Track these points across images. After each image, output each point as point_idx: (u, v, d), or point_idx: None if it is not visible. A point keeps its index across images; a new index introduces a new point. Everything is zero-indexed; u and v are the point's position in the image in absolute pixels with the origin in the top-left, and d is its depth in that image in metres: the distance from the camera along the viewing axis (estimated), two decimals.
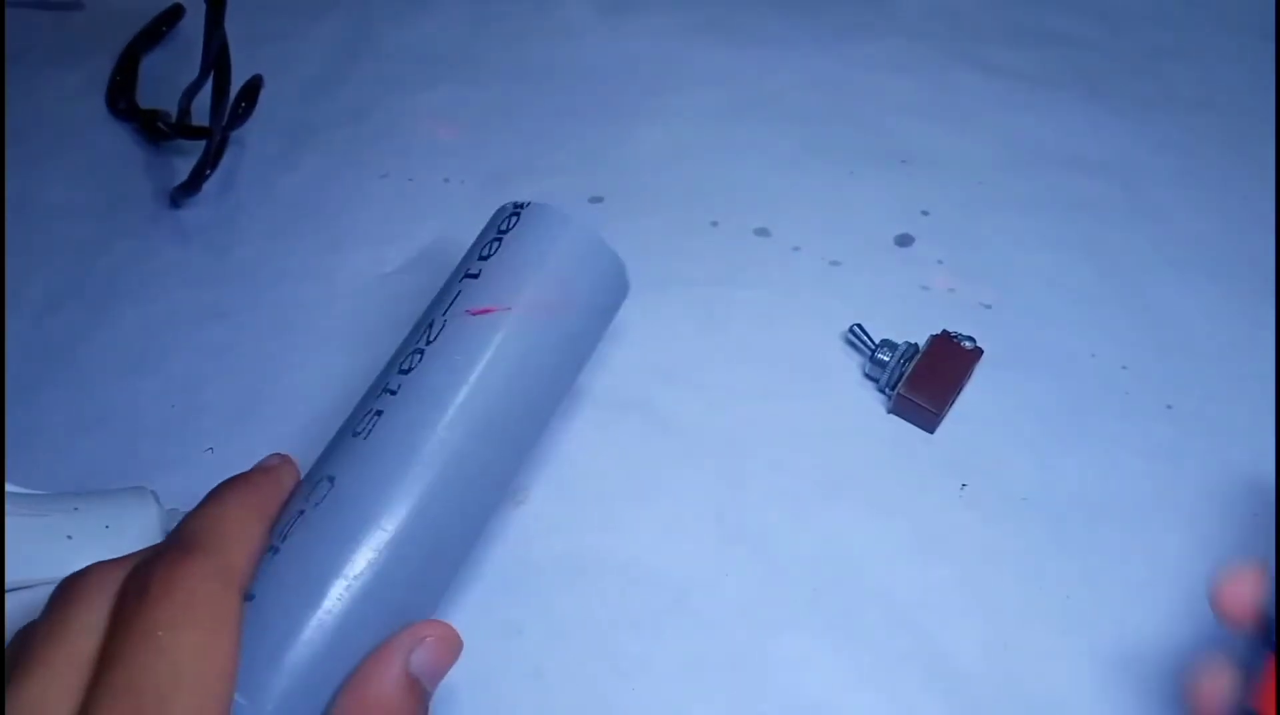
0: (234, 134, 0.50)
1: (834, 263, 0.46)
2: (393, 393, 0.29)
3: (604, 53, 0.56)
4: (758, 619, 0.37)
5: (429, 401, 0.29)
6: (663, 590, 0.37)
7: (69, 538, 0.31)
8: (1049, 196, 0.49)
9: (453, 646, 0.27)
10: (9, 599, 0.29)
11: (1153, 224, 0.48)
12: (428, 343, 0.30)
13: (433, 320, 0.30)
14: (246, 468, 0.41)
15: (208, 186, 0.48)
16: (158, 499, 0.34)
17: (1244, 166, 0.50)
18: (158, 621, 0.22)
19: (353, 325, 0.45)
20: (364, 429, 0.28)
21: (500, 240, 0.31)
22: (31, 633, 0.23)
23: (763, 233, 0.48)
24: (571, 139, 0.52)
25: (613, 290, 0.32)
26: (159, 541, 0.31)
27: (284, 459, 0.29)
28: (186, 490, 0.36)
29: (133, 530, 0.32)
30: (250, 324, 0.45)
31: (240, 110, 0.49)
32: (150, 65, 0.55)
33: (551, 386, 0.31)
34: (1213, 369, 0.43)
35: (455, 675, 0.32)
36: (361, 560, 0.26)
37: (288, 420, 0.41)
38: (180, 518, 0.33)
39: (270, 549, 0.26)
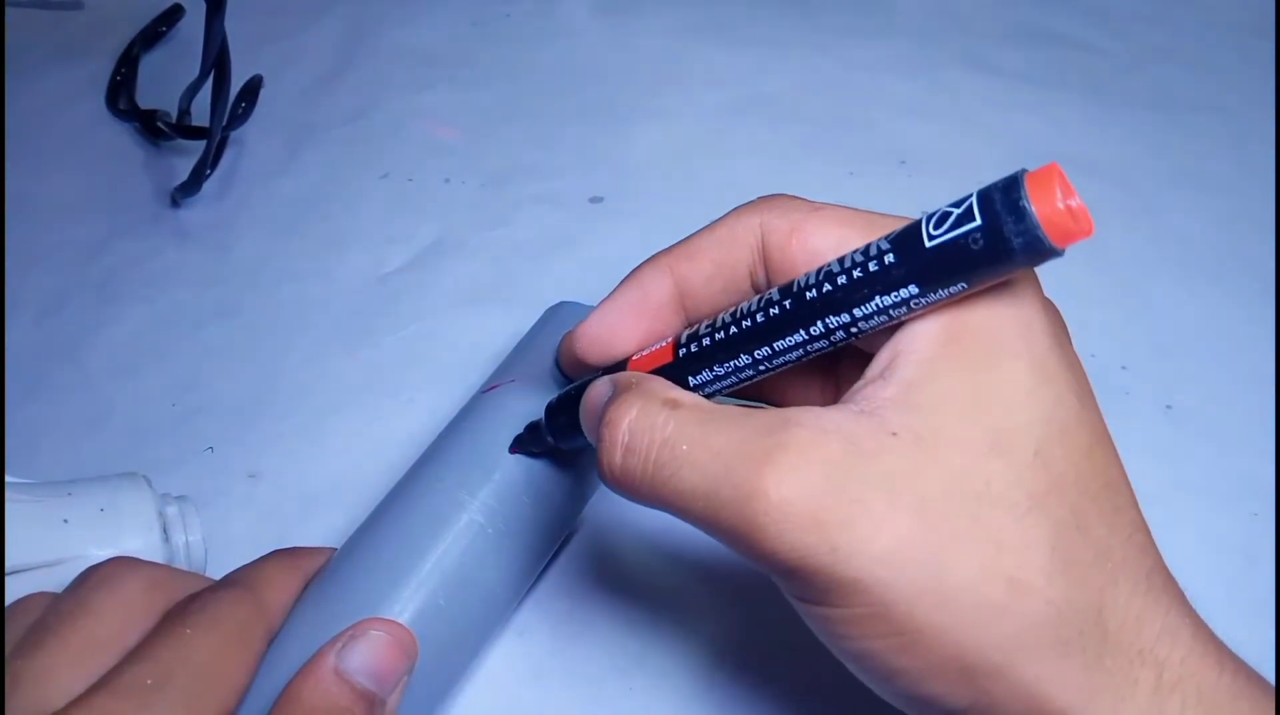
0: (234, 134, 0.50)
1: None
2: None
3: (604, 53, 0.56)
4: None
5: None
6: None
7: (65, 521, 0.31)
8: None
9: (400, 645, 0.26)
10: (7, 582, 0.29)
11: (1152, 224, 0.48)
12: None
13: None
14: (246, 468, 0.41)
15: (208, 186, 0.48)
16: (150, 484, 0.34)
17: (1244, 167, 0.50)
18: (188, 623, 0.25)
19: (353, 325, 0.45)
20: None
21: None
22: (48, 613, 0.26)
23: None
24: (571, 139, 0.52)
25: None
26: (153, 526, 0.33)
27: (331, 550, 0.31)
28: (186, 489, 0.36)
29: (127, 514, 0.32)
30: (250, 324, 0.45)
31: (240, 110, 0.49)
32: (150, 65, 0.55)
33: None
34: (1213, 369, 0.43)
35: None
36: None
37: (287, 420, 0.41)
38: (174, 503, 0.34)
39: None
